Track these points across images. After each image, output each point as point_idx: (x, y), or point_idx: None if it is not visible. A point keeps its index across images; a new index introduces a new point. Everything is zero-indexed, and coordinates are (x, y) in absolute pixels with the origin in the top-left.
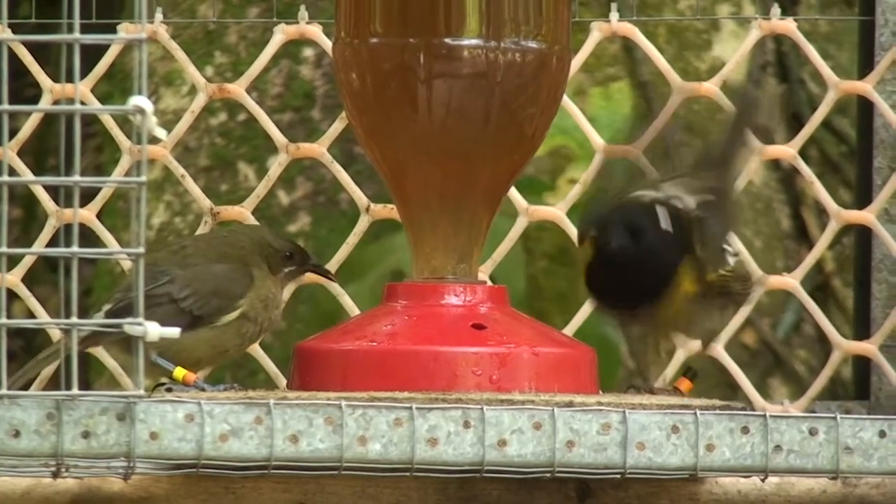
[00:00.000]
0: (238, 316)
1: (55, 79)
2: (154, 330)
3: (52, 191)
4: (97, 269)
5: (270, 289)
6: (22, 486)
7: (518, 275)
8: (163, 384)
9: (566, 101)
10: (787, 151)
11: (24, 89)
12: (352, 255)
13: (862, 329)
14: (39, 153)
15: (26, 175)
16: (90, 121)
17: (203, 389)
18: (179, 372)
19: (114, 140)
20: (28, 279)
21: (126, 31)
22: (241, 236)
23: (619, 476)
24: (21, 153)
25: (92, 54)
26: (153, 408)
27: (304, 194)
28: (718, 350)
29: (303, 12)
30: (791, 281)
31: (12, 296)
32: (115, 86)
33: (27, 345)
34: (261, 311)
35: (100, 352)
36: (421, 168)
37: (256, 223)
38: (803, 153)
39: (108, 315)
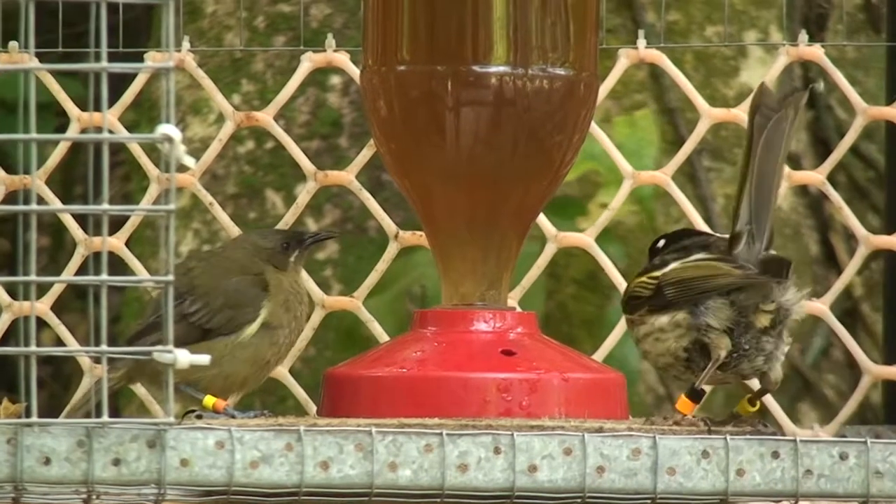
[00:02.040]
0: (261, 326)
1: (82, 108)
2: (183, 357)
3: (80, 219)
4: (125, 297)
5: (288, 288)
6: None
7: (538, 300)
8: (193, 411)
9: (594, 128)
10: (816, 177)
11: (50, 119)
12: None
13: (891, 353)
14: (66, 182)
15: (55, 204)
16: (117, 149)
17: (233, 416)
18: (209, 400)
19: (141, 169)
20: (56, 307)
21: (153, 59)
22: (236, 249)
23: (649, 501)
24: (48, 182)
25: (118, 83)
26: (183, 435)
27: (333, 222)
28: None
29: (330, 40)
30: (820, 306)
31: (41, 324)
32: (142, 114)
33: (56, 372)
34: (283, 313)
35: None
36: (449, 195)
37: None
38: (831, 179)
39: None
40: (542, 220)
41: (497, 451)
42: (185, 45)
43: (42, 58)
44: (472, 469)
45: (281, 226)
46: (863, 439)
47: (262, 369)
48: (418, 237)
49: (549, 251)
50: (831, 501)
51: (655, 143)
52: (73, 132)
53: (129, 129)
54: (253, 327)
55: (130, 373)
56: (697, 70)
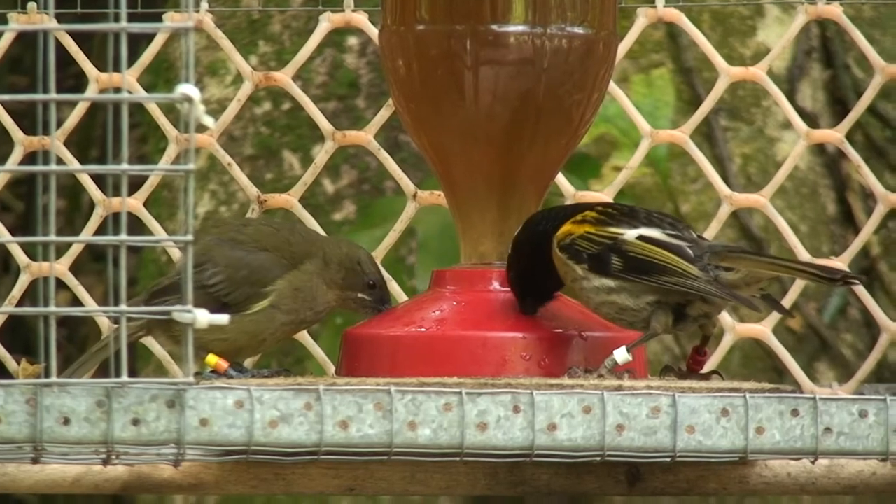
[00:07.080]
0: (268, 305)
1: (99, 69)
2: (203, 317)
3: (98, 181)
4: (142, 259)
5: (308, 283)
6: (72, 473)
7: None
8: (199, 373)
9: (613, 88)
10: (835, 135)
11: (65, 80)
12: None
13: None
14: (83, 144)
15: (73, 165)
16: (133, 111)
17: (231, 377)
18: (212, 359)
19: (157, 130)
20: (72, 269)
21: (172, 19)
22: (332, 246)
23: (668, 459)
24: (65, 144)
25: (135, 45)
26: (203, 395)
27: (349, 182)
28: (766, 334)
29: (348, 0)
30: (838, 264)
31: (57, 286)
32: (159, 76)
33: (70, 334)
34: (290, 301)
35: (147, 340)
36: (468, 154)
37: (336, 237)
38: (848, 138)
39: (149, 298)
40: (561, 179)
41: (516, 409)
42: (204, 5)
43: (61, 18)
44: (491, 428)
45: (300, 186)
46: (882, 397)
47: (259, 343)
48: (437, 196)
49: None
50: (851, 459)
51: (671, 103)
52: (91, 93)
53: (146, 90)
54: (262, 303)
55: (149, 323)
56: (714, 30)
